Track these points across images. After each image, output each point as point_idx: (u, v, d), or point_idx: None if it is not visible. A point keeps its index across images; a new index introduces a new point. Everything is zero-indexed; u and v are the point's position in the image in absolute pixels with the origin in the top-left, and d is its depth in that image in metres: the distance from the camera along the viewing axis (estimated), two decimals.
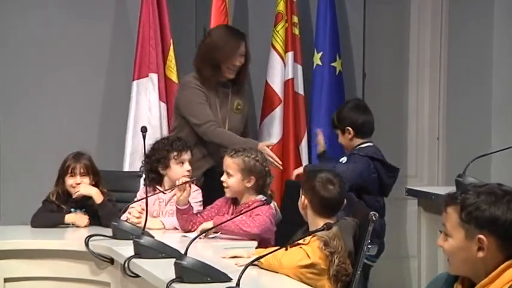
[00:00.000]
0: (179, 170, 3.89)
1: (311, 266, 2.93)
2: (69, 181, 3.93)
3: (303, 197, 3.17)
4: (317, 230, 2.82)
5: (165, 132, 4.66)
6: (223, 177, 3.64)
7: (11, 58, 4.86)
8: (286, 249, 2.97)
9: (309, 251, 2.96)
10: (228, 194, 3.66)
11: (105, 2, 5.00)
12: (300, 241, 2.99)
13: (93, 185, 3.94)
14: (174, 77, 4.90)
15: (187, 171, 3.88)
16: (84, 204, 3.93)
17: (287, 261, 2.91)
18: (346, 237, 3.03)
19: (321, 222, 3.06)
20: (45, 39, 4.84)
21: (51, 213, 3.93)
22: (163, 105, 4.84)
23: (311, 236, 2.98)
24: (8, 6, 4.83)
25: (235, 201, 3.67)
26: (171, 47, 4.87)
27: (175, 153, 3.91)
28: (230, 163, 3.62)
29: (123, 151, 4.81)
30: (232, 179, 3.61)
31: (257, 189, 3.62)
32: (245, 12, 5.20)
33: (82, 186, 3.90)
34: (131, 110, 4.82)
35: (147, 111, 4.82)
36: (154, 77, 4.82)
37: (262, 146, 4.11)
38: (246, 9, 5.20)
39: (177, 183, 3.68)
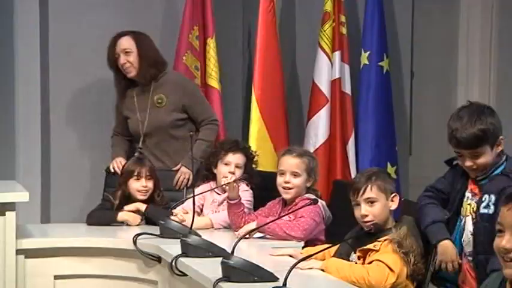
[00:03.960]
0: (223, 170, 3.93)
1: (398, 278, 2.90)
2: (135, 184, 3.98)
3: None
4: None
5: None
6: (287, 178, 3.60)
7: (63, 58, 4.92)
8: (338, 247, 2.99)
9: (389, 262, 2.89)
10: (290, 195, 3.61)
11: (153, 2, 5.05)
12: (370, 246, 2.97)
13: (153, 188, 4.01)
14: (213, 83, 4.93)
15: (229, 172, 3.90)
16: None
17: (376, 282, 2.86)
18: (415, 236, 3.00)
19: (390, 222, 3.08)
20: (96, 39, 4.90)
21: (105, 211, 3.99)
22: None
23: (381, 241, 2.96)
24: (61, 8, 4.90)
25: (284, 202, 3.67)
26: (212, 51, 4.89)
27: (222, 153, 3.95)
28: (298, 163, 3.60)
29: None
30: (299, 179, 3.59)
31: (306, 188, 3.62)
32: (292, 11, 5.20)
33: (121, 214, 3.93)
34: None
35: None
36: None
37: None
38: (294, 9, 5.19)
39: (223, 182, 3.71)
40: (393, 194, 3.08)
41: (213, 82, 4.93)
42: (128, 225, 3.91)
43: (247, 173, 3.92)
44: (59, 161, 4.93)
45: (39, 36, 4.83)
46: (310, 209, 3.42)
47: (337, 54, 4.94)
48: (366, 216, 3.04)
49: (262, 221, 3.48)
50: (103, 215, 3.97)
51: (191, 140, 3.68)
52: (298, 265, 2.70)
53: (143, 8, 5.01)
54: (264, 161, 4.63)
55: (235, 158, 3.95)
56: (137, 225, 3.90)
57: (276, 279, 2.67)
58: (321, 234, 3.54)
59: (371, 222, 3.02)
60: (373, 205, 3.04)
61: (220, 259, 2.77)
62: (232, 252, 2.74)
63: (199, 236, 3.30)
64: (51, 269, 3.63)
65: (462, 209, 3.09)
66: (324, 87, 4.92)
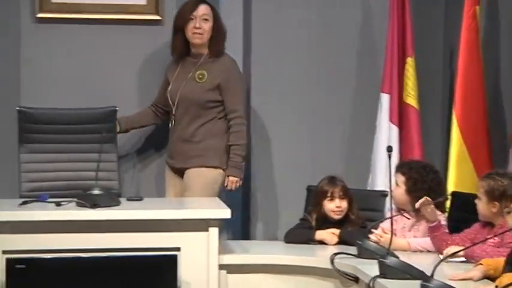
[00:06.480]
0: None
1: None
2: (329, 205, 4.02)
3: None
4: None
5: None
6: (477, 200, 3.54)
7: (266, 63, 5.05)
8: None
9: None
10: (480, 217, 3.55)
11: (352, 10, 5.11)
12: None
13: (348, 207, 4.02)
14: (411, 100, 4.88)
15: None
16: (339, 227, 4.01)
17: None
18: None
19: None
20: (300, 43, 5.01)
21: (303, 229, 4.05)
22: (394, 127, 4.85)
23: None
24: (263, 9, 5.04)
25: (491, 225, 3.54)
26: (412, 69, 4.85)
27: None
28: (479, 185, 3.53)
29: (368, 168, 4.86)
30: (479, 202, 3.51)
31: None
32: (497, 29, 5.00)
33: (318, 233, 3.97)
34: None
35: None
36: (385, 97, 4.86)
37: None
38: (498, 26, 5.00)
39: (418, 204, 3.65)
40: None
41: (412, 100, 4.89)
42: (325, 243, 3.94)
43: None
44: (259, 179, 5.06)
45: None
46: None
47: None
48: None
49: (468, 243, 3.38)
50: (301, 234, 4.03)
51: (389, 157, 3.61)
52: None
53: (342, 22, 5.09)
54: (465, 183, 4.51)
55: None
56: (334, 244, 3.92)
57: None
58: None
59: None
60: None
61: (419, 282, 2.72)
62: (432, 275, 2.68)
63: (397, 258, 3.26)
64: (252, 284, 3.72)
65: None
66: None
